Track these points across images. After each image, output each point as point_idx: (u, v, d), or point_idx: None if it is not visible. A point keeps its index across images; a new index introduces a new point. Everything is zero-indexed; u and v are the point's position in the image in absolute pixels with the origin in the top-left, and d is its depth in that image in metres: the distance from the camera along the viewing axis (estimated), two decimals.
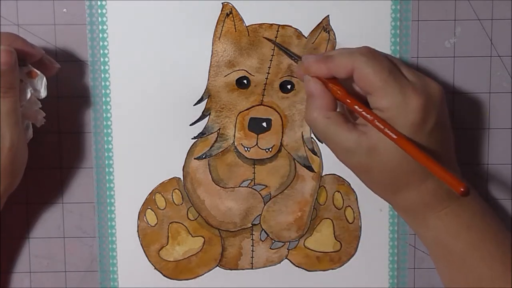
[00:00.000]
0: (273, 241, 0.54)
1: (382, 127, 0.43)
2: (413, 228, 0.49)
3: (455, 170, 0.47)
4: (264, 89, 0.52)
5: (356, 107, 0.44)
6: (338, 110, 0.46)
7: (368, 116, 0.44)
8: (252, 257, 0.54)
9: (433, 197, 0.45)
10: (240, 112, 0.52)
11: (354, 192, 0.53)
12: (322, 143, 0.53)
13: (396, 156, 0.44)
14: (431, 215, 0.46)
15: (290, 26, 0.51)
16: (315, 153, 0.53)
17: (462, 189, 0.40)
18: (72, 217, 0.53)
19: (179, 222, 0.53)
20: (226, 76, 0.52)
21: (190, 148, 0.53)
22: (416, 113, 0.43)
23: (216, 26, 0.51)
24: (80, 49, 0.52)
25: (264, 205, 0.53)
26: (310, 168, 0.53)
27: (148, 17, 0.51)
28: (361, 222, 0.54)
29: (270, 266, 0.54)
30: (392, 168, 0.44)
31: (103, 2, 0.51)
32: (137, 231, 0.53)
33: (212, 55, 0.52)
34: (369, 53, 0.45)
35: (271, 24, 0.51)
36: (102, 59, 0.51)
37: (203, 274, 0.54)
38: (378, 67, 0.43)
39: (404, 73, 0.45)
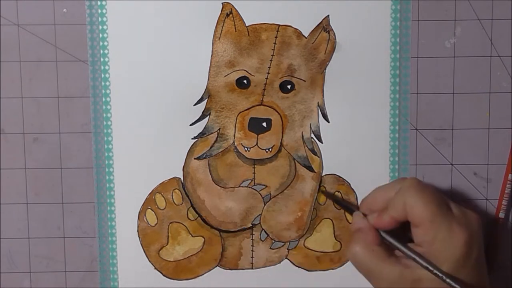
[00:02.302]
0: (273, 241, 0.54)
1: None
2: None
3: None
4: (264, 89, 0.52)
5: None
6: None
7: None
8: (252, 257, 0.54)
9: None
10: (240, 112, 0.52)
11: (354, 192, 0.53)
12: (322, 143, 0.53)
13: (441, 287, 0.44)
14: None
15: (290, 26, 0.51)
16: (315, 153, 0.53)
17: None
18: (72, 217, 0.53)
19: (179, 222, 0.53)
20: (226, 76, 0.52)
21: (190, 148, 0.53)
22: (461, 248, 0.44)
23: (216, 26, 0.51)
24: (80, 49, 0.52)
25: (264, 205, 0.53)
26: (310, 168, 0.53)
27: (148, 17, 0.51)
28: None
29: (270, 266, 0.54)
30: None
31: (103, 2, 0.51)
32: (137, 231, 0.53)
33: (212, 55, 0.52)
34: (418, 185, 0.46)
35: (271, 24, 0.51)
36: (102, 59, 0.51)
37: (203, 274, 0.54)
38: (427, 199, 0.45)
39: (450, 206, 0.46)
